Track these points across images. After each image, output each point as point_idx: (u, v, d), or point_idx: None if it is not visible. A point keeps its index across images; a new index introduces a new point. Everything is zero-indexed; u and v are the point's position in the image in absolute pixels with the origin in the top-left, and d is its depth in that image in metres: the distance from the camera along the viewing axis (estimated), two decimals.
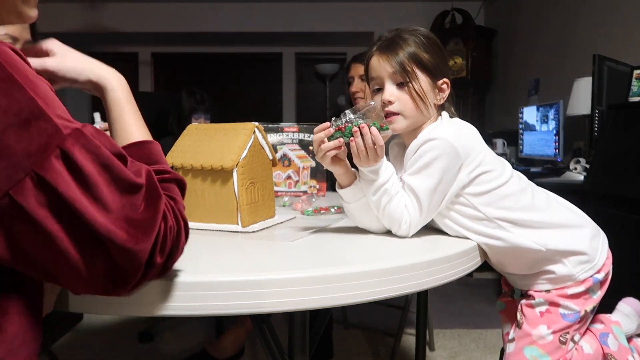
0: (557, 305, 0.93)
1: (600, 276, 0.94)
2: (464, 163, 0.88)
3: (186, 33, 4.90)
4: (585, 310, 0.94)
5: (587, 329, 1.00)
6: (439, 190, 0.87)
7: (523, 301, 0.98)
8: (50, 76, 0.66)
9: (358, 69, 1.94)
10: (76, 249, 0.44)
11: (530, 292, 0.97)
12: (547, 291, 0.94)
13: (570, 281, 0.93)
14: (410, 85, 0.91)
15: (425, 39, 0.94)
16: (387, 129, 0.86)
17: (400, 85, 0.92)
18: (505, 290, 1.11)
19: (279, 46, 5.45)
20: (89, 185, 0.44)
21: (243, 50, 5.49)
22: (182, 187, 0.60)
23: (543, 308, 0.94)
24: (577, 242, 0.93)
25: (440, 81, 0.95)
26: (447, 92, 0.96)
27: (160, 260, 0.51)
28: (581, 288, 0.93)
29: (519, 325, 0.96)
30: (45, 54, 0.67)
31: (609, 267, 0.97)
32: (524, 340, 0.94)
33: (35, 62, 0.65)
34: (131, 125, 0.65)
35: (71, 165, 0.43)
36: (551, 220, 0.93)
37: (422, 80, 0.92)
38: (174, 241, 0.52)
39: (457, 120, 0.96)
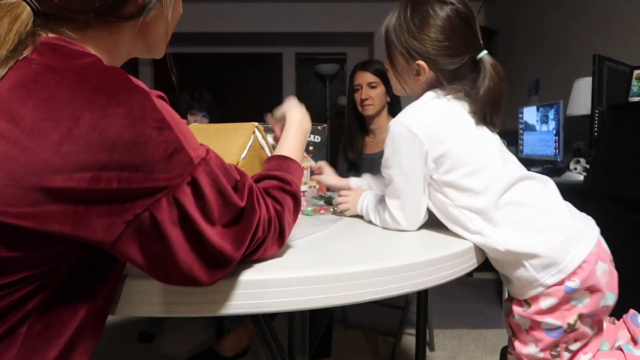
0: (537, 323, 0.88)
1: (573, 284, 0.84)
2: (429, 149, 0.88)
3: (186, 33, 4.90)
4: (569, 323, 0.86)
5: (621, 350, 0.92)
6: (411, 175, 0.90)
7: (510, 316, 0.95)
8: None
9: (365, 77, 1.97)
10: (187, 252, 0.53)
11: (513, 307, 0.92)
12: (525, 302, 0.90)
13: (539, 287, 0.86)
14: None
15: (408, 16, 0.94)
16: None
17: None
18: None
19: (279, 46, 5.45)
20: (206, 207, 0.54)
21: (243, 50, 5.49)
22: (296, 201, 0.72)
23: (527, 326, 0.90)
24: (538, 245, 0.85)
25: (414, 63, 0.94)
26: (425, 75, 0.95)
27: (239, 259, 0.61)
28: (553, 300, 0.85)
29: (511, 341, 0.95)
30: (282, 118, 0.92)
31: (587, 274, 0.84)
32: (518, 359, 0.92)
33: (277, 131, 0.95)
34: (286, 144, 0.85)
35: (196, 189, 0.53)
36: (516, 219, 0.88)
37: (391, 75, 1.02)
38: (258, 247, 0.64)
39: (437, 101, 0.94)
